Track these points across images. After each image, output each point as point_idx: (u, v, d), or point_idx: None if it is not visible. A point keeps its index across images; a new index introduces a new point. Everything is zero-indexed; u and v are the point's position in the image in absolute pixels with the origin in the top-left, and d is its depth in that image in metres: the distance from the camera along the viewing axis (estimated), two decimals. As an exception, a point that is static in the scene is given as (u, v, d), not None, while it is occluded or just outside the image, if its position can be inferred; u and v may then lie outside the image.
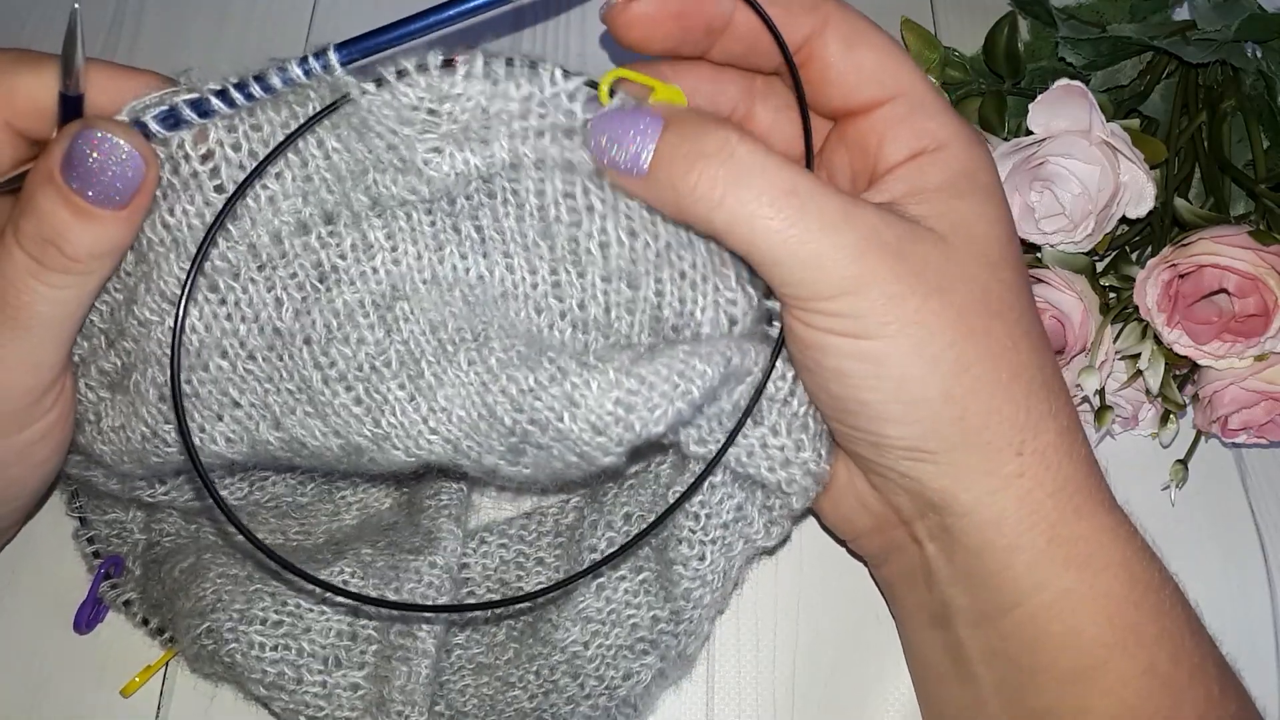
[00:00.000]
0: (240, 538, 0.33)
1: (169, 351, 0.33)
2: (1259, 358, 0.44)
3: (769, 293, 0.34)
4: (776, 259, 0.31)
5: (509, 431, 0.34)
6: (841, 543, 0.43)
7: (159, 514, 0.42)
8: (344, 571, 0.39)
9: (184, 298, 0.32)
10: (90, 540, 0.42)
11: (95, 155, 0.30)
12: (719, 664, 0.43)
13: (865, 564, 0.43)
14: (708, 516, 0.38)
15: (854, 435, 0.35)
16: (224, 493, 0.42)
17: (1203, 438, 0.47)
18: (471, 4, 0.32)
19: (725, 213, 0.31)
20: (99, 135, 0.30)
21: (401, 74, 0.31)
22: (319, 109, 0.32)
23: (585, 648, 0.39)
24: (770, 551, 0.41)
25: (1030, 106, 0.46)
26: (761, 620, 0.43)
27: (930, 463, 0.34)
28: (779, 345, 0.35)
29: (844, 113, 0.36)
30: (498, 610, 0.41)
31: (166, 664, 0.41)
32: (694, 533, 0.38)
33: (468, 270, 0.34)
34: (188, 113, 0.31)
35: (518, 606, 0.41)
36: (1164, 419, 0.46)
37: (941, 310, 0.32)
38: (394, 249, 0.33)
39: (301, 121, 0.32)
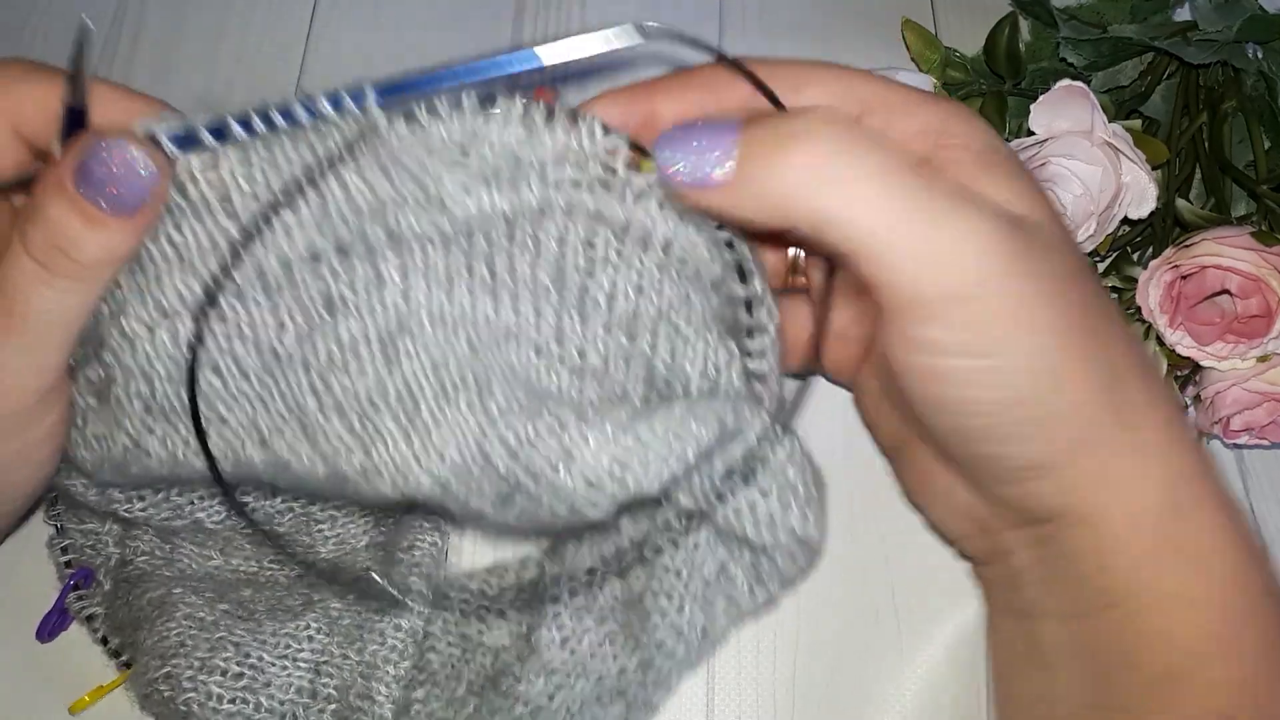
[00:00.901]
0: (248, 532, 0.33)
1: (160, 366, 0.33)
2: (1261, 359, 0.44)
3: (746, 351, 0.35)
4: (886, 252, 0.27)
5: (501, 479, 0.34)
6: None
7: (135, 529, 0.42)
8: (310, 626, 0.39)
9: (201, 325, 0.32)
10: (64, 550, 0.42)
11: (109, 164, 0.30)
12: (719, 664, 0.43)
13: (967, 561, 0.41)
14: (689, 573, 0.38)
15: (959, 456, 0.33)
16: (200, 515, 0.42)
17: (1204, 439, 0.47)
18: (515, 67, 0.31)
19: (825, 201, 0.27)
20: (114, 143, 0.30)
21: (433, 112, 0.30)
22: (341, 143, 0.31)
23: (550, 700, 0.39)
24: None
25: (1032, 107, 0.46)
26: (761, 620, 0.43)
27: (1047, 479, 0.32)
28: (797, 403, 0.35)
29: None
30: (457, 661, 0.41)
31: (119, 687, 0.40)
32: (673, 587, 0.38)
33: (475, 309, 0.34)
34: (204, 135, 0.31)
35: (479, 659, 0.41)
36: (1165, 420, 0.46)
37: (1064, 311, 0.29)
38: (405, 284, 0.33)
39: (321, 156, 0.31)
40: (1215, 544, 0.32)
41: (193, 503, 0.41)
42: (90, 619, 0.41)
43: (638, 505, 0.37)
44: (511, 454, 0.33)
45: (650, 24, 0.30)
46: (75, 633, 0.42)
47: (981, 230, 0.27)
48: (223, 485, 0.34)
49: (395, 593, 0.38)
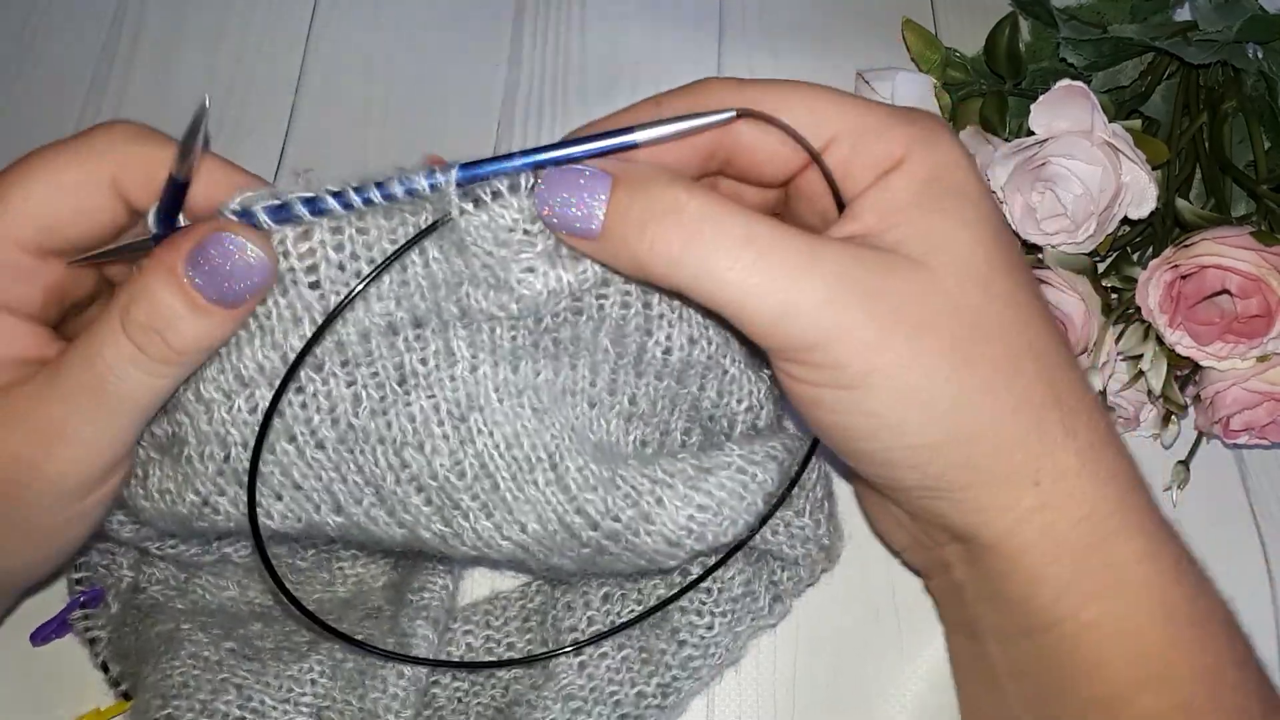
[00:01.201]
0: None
1: (235, 433, 0.33)
2: (1261, 359, 0.44)
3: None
4: (743, 312, 0.30)
5: (583, 545, 0.35)
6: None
7: (152, 556, 0.41)
8: (313, 669, 0.39)
9: (273, 404, 0.33)
10: (78, 566, 0.41)
11: (225, 257, 0.30)
12: (720, 665, 0.43)
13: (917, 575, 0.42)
14: (720, 590, 0.39)
15: (870, 478, 0.34)
16: (228, 549, 0.42)
17: (1204, 439, 0.47)
18: (591, 148, 0.31)
19: (685, 270, 0.30)
20: (232, 240, 0.30)
21: (496, 195, 0.31)
22: (425, 224, 0.32)
23: None
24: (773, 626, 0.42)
25: (1032, 107, 0.46)
26: (762, 621, 0.43)
27: (946, 499, 0.32)
28: (814, 443, 0.37)
29: (790, 177, 0.35)
30: (464, 695, 0.41)
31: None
32: (705, 603, 0.39)
33: (537, 375, 0.35)
34: (300, 209, 0.31)
35: (488, 692, 0.41)
36: (1165, 420, 0.46)
37: (930, 348, 0.30)
38: (474, 359, 0.34)
39: (408, 233, 0.32)
40: (1139, 573, 0.32)
41: (221, 537, 0.41)
42: (93, 642, 0.41)
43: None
44: (592, 524, 0.35)
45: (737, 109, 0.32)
46: (71, 645, 0.41)
47: (830, 286, 0.29)
48: (261, 549, 0.35)
49: (392, 654, 0.38)
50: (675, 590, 0.39)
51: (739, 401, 0.38)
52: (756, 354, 0.37)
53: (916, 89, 0.51)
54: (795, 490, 0.37)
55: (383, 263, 0.32)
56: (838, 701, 0.43)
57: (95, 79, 0.56)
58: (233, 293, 0.31)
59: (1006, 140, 0.49)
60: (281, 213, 0.31)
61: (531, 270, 0.32)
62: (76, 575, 0.41)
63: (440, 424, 0.34)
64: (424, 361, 0.34)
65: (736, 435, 0.38)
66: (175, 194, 0.32)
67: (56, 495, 0.33)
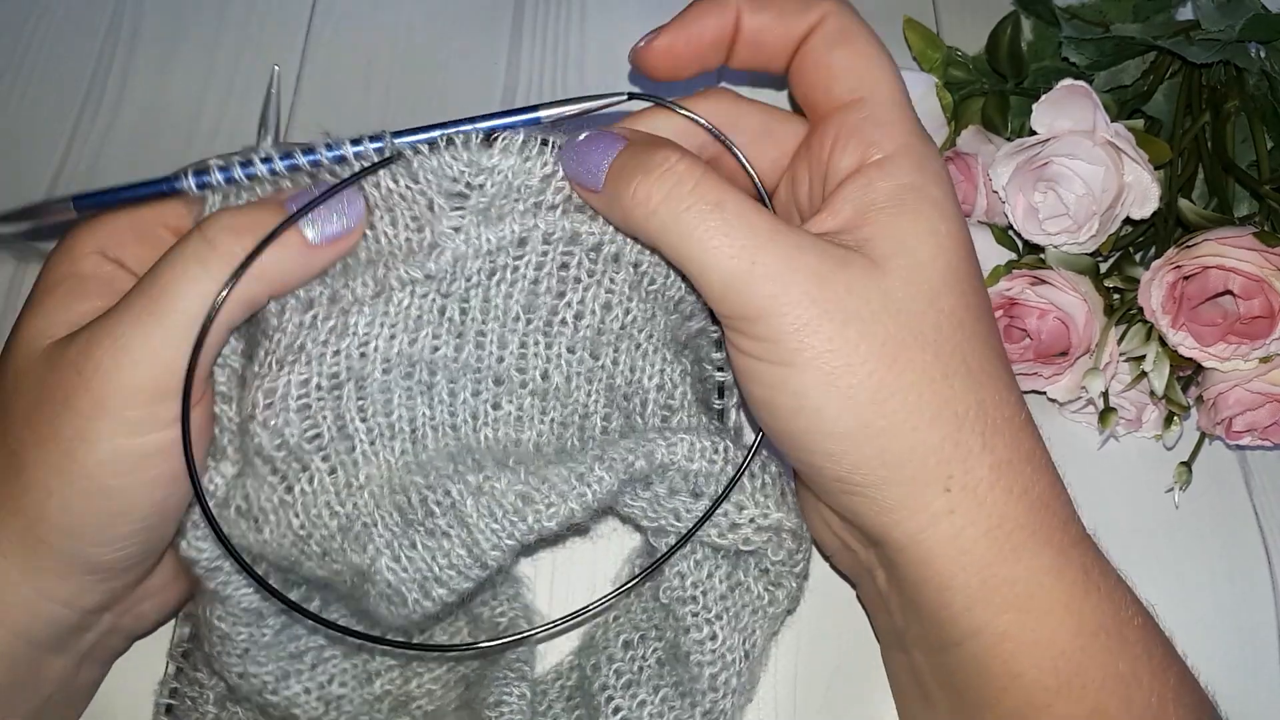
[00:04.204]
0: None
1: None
2: (1264, 360, 0.44)
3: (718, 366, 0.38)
4: (703, 269, 0.32)
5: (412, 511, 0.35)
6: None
7: (240, 696, 0.40)
8: None
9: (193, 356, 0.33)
10: (172, 693, 0.40)
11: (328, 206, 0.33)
12: (720, 667, 0.43)
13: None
14: (703, 593, 0.38)
15: (795, 465, 0.35)
16: (298, 689, 0.40)
17: (1207, 440, 0.47)
18: (514, 119, 0.35)
19: (658, 220, 0.32)
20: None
21: (449, 143, 0.33)
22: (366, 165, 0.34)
23: None
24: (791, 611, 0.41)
25: (1034, 106, 0.46)
26: (763, 622, 0.43)
27: (860, 495, 0.33)
28: (756, 446, 0.37)
29: (818, 114, 0.36)
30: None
31: None
32: (696, 615, 0.38)
33: (436, 350, 0.36)
34: (261, 167, 0.34)
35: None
36: (1168, 421, 0.46)
37: (860, 340, 0.32)
38: (367, 333, 0.35)
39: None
40: (1048, 585, 0.33)
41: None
42: None
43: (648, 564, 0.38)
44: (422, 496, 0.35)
45: (635, 90, 0.36)
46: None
47: (781, 262, 0.31)
48: (201, 499, 0.34)
49: (366, 636, 0.37)
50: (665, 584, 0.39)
51: (650, 378, 0.38)
52: (681, 342, 0.38)
53: (918, 88, 0.51)
54: (739, 486, 0.37)
55: (330, 189, 0.33)
56: (838, 700, 0.42)
57: (95, 78, 0.56)
58: (325, 223, 0.33)
59: (1008, 140, 0.49)
60: (246, 169, 0.34)
61: (457, 229, 0.34)
62: (165, 701, 0.40)
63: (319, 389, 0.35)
64: (316, 330, 0.35)
65: (649, 414, 0.38)
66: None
67: (110, 415, 0.32)
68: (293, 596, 0.38)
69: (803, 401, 0.32)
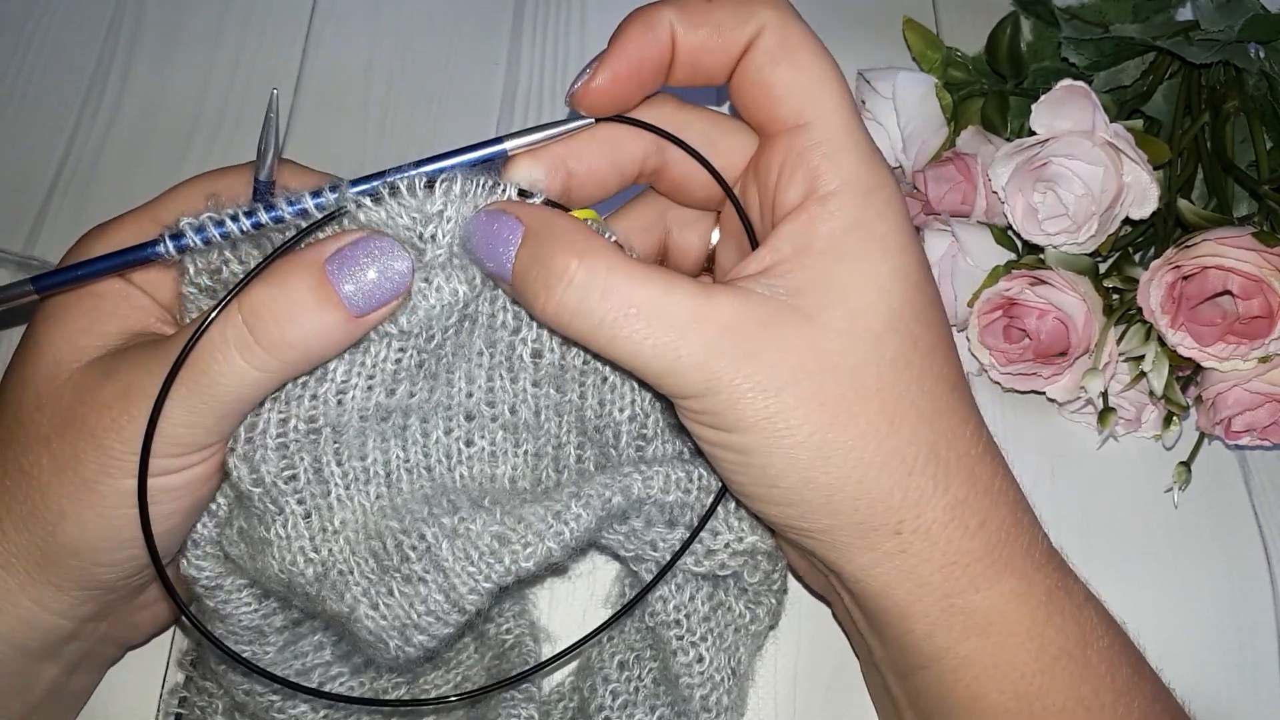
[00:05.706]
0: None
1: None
2: (1263, 359, 0.44)
3: None
4: (633, 367, 0.32)
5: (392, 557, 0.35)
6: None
7: (246, 707, 0.40)
8: None
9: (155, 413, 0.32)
10: (181, 701, 0.41)
11: (371, 258, 0.32)
12: (720, 666, 0.43)
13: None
14: (686, 616, 0.38)
15: (746, 507, 0.36)
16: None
17: (1206, 440, 0.47)
18: (475, 155, 0.34)
19: (576, 330, 0.32)
20: (382, 244, 0.32)
21: (394, 191, 0.32)
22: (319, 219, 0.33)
23: None
24: (773, 627, 0.41)
25: (1033, 107, 0.46)
26: (763, 622, 0.43)
27: (811, 538, 0.34)
28: (720, 493, 0.37)
29: (764, 134, 0.35)
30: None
31: None
32: (681, 639, 0.38)
33: (412, 397, 0.35)
34: (212, 232, 0.33)
35: None
36: (1167, 421, 0.46)
37: (797, 404, 0.32)
38: (345, 383, 0.34)
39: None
40: (1009, 611, 0.33)
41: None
42: None
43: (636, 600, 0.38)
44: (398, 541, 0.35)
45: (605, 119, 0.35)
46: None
47: (709, 345, 0.31)
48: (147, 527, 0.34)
49: (298, 685, 0.37)
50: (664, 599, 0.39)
51: (621, 410, 0.37)
52: None
53: (918, 89, 0.51)
54: (714, 515, 0.37)
55: (277, 249, 0.32)
56: (838, 701, 0.42)
57: (95, 78, 0.56)
58: (366, 294, 0.32)
59: (1008, 140, 0.49)
60: (200, 236, 0.33)
61: (428, 280, 0.33)
62: (175, 710, 0.41)
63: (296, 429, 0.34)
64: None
65: (623, 446, 0.38)
66: (262, 194, 0.34)
67: (132, 458, 0.32)
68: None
69: (749, 460, 0.33)
